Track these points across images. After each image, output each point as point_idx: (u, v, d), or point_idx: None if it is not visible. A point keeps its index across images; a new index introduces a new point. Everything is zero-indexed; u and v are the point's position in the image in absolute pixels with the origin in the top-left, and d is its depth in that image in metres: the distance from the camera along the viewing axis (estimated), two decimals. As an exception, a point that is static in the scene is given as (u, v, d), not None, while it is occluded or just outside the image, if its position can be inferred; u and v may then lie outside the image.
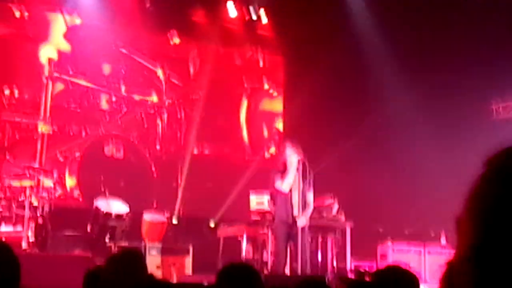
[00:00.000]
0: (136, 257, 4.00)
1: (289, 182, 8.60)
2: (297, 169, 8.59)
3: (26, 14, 11.40)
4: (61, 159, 11.39)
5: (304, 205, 8.71)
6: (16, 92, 11.30)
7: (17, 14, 11.32)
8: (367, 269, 10.44)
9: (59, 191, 10.79)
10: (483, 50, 11.88)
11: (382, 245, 11.03)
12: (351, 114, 12.74)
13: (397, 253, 10.80)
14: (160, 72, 12.59)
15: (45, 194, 9.21)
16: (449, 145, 12.22)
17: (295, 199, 8.65)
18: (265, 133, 13.82)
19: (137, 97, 12.48)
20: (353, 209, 11.09)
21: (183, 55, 13.09)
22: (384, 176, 12.45)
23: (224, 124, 13.05)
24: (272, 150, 13.08)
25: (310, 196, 8.84)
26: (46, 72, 11.51)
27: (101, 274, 3.82)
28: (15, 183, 9.47)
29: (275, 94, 13.98)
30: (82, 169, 11.46)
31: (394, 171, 12.57)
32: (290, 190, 8.67)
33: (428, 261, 10.88)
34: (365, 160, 12.62)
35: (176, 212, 11.58)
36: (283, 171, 8.72)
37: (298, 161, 8.63)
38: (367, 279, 6.27)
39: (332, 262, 10.74)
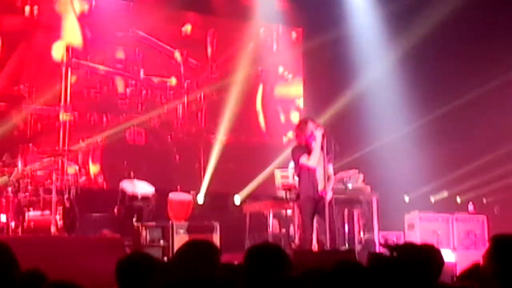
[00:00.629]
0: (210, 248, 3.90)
1: (315, 156, 8.58)
2: (322, 143, 8.56)
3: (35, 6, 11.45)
4: (83, 146, 11.44)
5: (328, 178, 8.69)
6: (35, 82, 11.36)
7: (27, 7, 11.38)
8: (395, 241, 10.39)
9: (83, 178, 10.84)
10: None
11: (409, 215, 10.98)
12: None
13: (424, 222, 10.74)
14: (177, 54, 12.57)
15: (70, 178, 9.24)
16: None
17: (320, 173, 8.62)
18: (282, 118, 13.73)
19: (155, 80, 12.49)
20: (378, 180, 11.06)
21: (200, 35, 13.06)
22: (409, 146, 12.39)
23: (241, 110, 12.96)
24: (290, 134, 13.00)
25: (330, 169, 8.82)
26: (64, 60, 11.53)
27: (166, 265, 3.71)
28: (40, 169, 9.51)
29: (289, 77, 13.87)
30: (105, 155, 11.52)
31: (418, 140, 12.48)
32: (317, 165, 8.64)
33: (456, 228, 10.82)
34: (389, 129, 12.56)
35: (201, 191, 11.58)
36: (306, 146, 8.70)
37: (322, 135, 8.60)
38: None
39: (359, 234, 10.72)
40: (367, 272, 3.61)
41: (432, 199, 12.55)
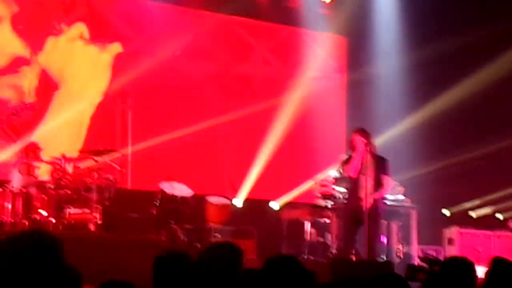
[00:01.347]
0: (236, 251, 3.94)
1: (353, 165, 8.55)
2: (365, 153, 8.53)
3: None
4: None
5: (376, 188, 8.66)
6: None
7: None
8: (435, 256, 10.26)
9: (123, 178, 10.91)
10: None
11: (449, 230, 10.82)
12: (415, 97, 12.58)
13: (464, 237, 10.58)
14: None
15: (111, 177, 9.32)
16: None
17: (363, 183, 8.58)
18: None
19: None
20: (419, 193, 10.94)
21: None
22: (449, 159, 12.22)
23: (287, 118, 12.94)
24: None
25: (383, 179, 8.73)
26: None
27: (194, 262, 3.73)
28: (82, 167, 9.62)
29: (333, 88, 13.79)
30: (146, 157, 11.58)
31: (459, 154, 12.30)
32: (359, 175, 8.59)
33: (497, 245, 10.63)
34: (429, 142, 12.42)
35: (240, 196, 11.57)
36: (350, 156, 8.71)
37: (365, 145, 8.57)
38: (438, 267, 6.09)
39: (398, 246, 10.60)
40: (406, 284, 3.57)
41: (473, 215, 12.35)
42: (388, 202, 10.49)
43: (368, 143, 8.55)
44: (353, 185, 8.66)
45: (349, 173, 8.61)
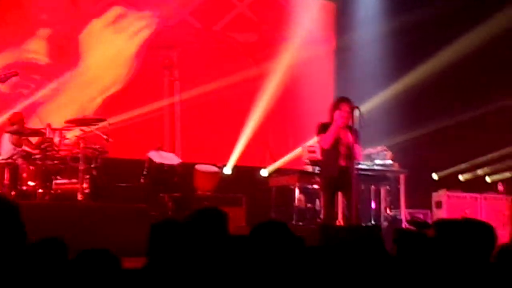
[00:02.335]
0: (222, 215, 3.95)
1: (328, 136, 8.52)
2: (342, 127, 8.52)
3: None
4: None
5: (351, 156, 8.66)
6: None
7: None
8: (422, 218, 10.33)
9: (110, 148, 10.86)
10: None
11: (437, 193, 10.87)
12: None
13: (452, 200, 10.64)
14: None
15: (98, 147, 9.27)
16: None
17: (342, 150, 8.60)
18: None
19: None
20: (407, 157, 10.97)
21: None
22: (438, 122, 12.25)
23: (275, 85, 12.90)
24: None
25: (355, 148, 8.73)
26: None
27: (180, 227, 3.72)
28: (69, 136, 9.57)
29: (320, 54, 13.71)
30: (133, 126, 11.52)
31: (447, 118, 12.33)
32: (336, 143, 8.59)
33: (485, 208, 10.70)
34: (417, 107, 12.43)
35: (228, 163, 11.56)
36: (326, 125, 8.66)
37: (345, 119, 8.57)
38: (426, 230, 6.11)
39: (386, 211, 10.66)
40: (398, 249, 3.58)
41: (461, 178, 12.43)
42: (376, 167, 10.54)
43: (349, 117, 8.48)
44: (331, 152, 8.62)
45: (321, 144, 8.56)
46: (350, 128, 8.55)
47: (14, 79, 8.82)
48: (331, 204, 8.77)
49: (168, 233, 3.59)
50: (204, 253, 3.66)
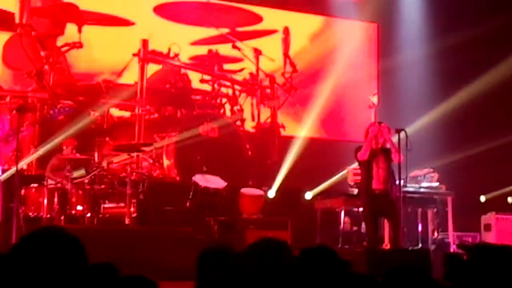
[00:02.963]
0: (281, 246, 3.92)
1: (364, 148, 8.64)
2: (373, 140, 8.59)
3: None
4: (158, 140, 11.57)
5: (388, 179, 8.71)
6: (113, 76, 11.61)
7: None
8: (471, 242, 10.16)
9: (157, 171, 10.99)
10: None
11: (486, 216, 10.68)
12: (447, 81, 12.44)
13: (501, 223, 10.43)
14: (251, 49, 12.57)
15: (145, 171, 9.41)
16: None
17: (380, 170, 8.63)
18: (356, 118, 13.54)
19: (229, 75, 12.55)
20: (454, 179, 10.83)
21: (274, 30, 13.04)
22: (485, 143, 12.07)
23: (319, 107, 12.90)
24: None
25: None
26: (141, 54, 11.69)
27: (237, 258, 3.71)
28: (116, 162, 9.72)
29: (363, 77, 13.68)
30: (179, 149, 11.62)
31: (494, 139, 12.14)
32: (373, 163, 8.64)
33: (535, 230, 10.47)
34: (463, 128, 12.28)
35: (273, 186, 11.56)
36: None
37: (380, 130, 8.64)
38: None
39: (433, 234, 10.52)
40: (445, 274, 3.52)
41: (510, 200, 12.18)
42: (422, 189, 10.43)
43: (380, 133, 8.60)
44: (368, 172, 8.69)
45: (359, 157, 8.70)
46: (387, 151, 8.65)
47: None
48: (374, 227, 8.74)
49: (218, 261, 3.59)
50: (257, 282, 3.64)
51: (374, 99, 8.96)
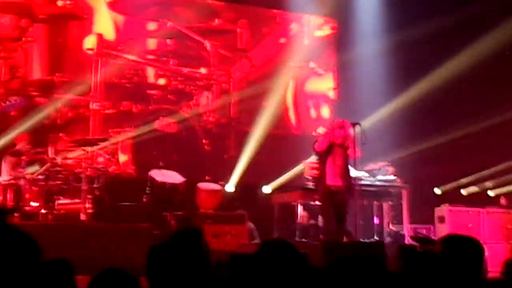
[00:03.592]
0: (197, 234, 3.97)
1: (319, 141, 8.79)
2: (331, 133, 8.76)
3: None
4: (113, 135, 11.48)
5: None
6: (67, 72, 11.46)
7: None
8: (426, 234, 10.31)
9: (113, 167, 10.90)
10: None
11: (439, 208, 10.85)
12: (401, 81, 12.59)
13: (455, 215, 10.61)
14: (208, 44, 12.55)
15: (100, 167, 9.31)
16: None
17: (337, 166, 8.77)
18: (313, 113, 13.63)
19: (186, 70, 12.50)
20: (409, 172, 10.98)
21: (231, 26, 13.02)
22: (440, 137, 12.27)
23: (272, 103, 12.92)
24: (320, 129, 12.86)
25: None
26: (96, 50, 11.57)
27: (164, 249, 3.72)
28: (71, 158, 9.60)
29: (321, 72, 13.75)
30: (135, 145, 11.56)
31: (449, 133, 12.34)
32: (329, 158, 8.77)
33: (488, 222, 10.67)
34: (419, 122, 12.44)
35: (230, 181, 11.57)
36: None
37: (341, 127, 8.77)
38: (430, 246, 6.09)
39: (389, 226, 10.66)
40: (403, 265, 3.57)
41: (464, 192, 12.41)
42: (378, 183, 10.55)
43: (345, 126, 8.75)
44: (326, 167, 8.81)
45: (315, 147, 8.82)
46: (343, 147, 8.78)
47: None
48: (329, 218, 8.86)
49: (166, 256, 3.59)
50: (197, 273, 3.65)
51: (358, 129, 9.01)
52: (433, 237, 9.09)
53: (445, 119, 12.57)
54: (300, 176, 11.07)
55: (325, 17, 13.71)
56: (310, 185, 10.19)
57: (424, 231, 10.37)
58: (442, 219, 10.62)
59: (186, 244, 3.76)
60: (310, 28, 13.69)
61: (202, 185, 10.42)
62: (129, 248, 7.92)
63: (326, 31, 13.80)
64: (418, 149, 12.15)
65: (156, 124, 11.62)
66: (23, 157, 9.24)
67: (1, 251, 2.42)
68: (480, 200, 11.76)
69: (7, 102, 8.38)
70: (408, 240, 10.10)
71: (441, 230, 10.21)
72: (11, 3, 11.30)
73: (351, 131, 8.75)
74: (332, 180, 8.79)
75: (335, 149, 8.83)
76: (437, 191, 12.33)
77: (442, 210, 10.72)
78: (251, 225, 10.09)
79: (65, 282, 3.22)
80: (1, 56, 10.96)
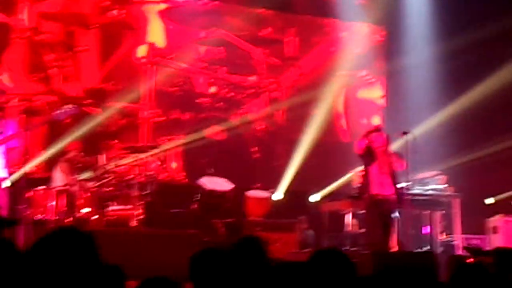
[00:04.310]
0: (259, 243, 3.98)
1: (359, 142, 8.73)
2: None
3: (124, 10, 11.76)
4: (164, 142, 11.61)
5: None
6: (121, 80, 11.65)
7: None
8: (478, 245, 10.13)
9: (164, 174, 11.02)
10: None
11: (493, 218, 10.64)
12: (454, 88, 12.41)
13: (509, 226, 10.39)
14: (257, 52, 12.59)
15: (152, 174, 9.42)
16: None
17: (380, 174, 8.70)
18: (364, 121, 13.53)
19: (236, 78, 12.56)
20: (461, 181, 10.79)
21: (279, 34, 13.05)
22: (493, 146, 12.03)
23: (324, 111, 12.89)
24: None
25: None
26: (148, 59, 11.73)
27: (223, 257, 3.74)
28: (123, 164, 9.73)
29: (371, 80, 13.66)
30: (185, 152, 11.66)
31: (502, 141, 12.10)
32: (378, 167, 8.69)
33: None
34: (470, 130, 12.24)
35: (279, 189, 11.56)
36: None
37: (380, 137, 8.72)
38: (483, 257, 5.98)
39: (440, 236, 10.50)
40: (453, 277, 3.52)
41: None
42: (429, 192, 10.40)
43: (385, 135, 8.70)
44: (371, 176, 8.74)
45: (355, 149, 8.77)
46: (389, 156, 8.69)
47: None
48: (377, 230, 8.75)
49: (210, 262, 3.60)
50: (250, 281, 3.66)
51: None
52: (486, 248, 8.92)
53: (497, 128, 12.33)
54: (349, 184, 11.00)
55: (375, 25, 13.62)
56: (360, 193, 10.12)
57: (477, 242, 10.19)
58: (495, 230, 10.41)
59: (251, 251, 3.77)
60: (360, 37, 13.61)
61: (251, 193, 10.45)
62: (177, 255, 7.96)
63: (376, 39, 13.70)
64: (470, 158, 11.94)
65: (206, 132, 11.70)
66: (76, 164, 9.40)
67: (66, 253, 2.48)
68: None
69: (60, 110, 8.53)
70: (459, 251, 9.94)
71: (495, 241, 10.01)
72: (64, 13, 11.54)
73: (386, 140, 8.71)
74: (378, 189, 8.69)
75: (379, 156, 8.72)
76: (489, 200, 12.08)
77: (496, 220, 10.51)
78: (310, 232, 10.07)
79: (117, 287, 3.27)
80: (55, 65, 11.19)
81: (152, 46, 11.81)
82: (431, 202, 10.42)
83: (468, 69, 12.28)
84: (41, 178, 9.81)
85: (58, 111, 8.41)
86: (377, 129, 8.80)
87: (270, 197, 10.72)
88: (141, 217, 8.95)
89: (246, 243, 3.93)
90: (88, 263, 2.50)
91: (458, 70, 12.37)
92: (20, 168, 8.45)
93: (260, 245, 3.94)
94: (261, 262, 3.73)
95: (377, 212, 8.69)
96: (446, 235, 10.52)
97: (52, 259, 2.45)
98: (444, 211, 10.53)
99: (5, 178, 7.66)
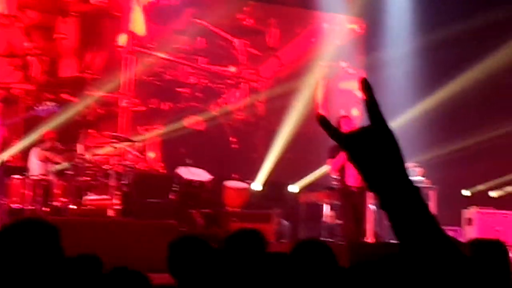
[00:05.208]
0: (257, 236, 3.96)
1: (335, 164, 8.74)
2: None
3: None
4: (142, 132, 11.57)
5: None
6: (98, 69, 11.57)
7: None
8: (453, 236, 10.23)
9: (141, 163, 10.99)
10: None
11: (468, 210, 10.76)
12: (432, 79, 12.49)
13: (483, 218, 10.51)
14: (237, 42, 12.58)
15: (129, 163, 9.39)
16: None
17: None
18: (342, 113, 13.53)
19: (215, 68, 12.54)
20: (437, 173, 10.89)
21: (261, 25, 13.03)
22: (469, 138, 12.15)
23: (302, 102, 12.90)
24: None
25: None
26: (127, 48, 11.66)
27: (218, 252, 3.74)
28: (100, 154, 9.70)
29: (351, 71, 13.69)
30: (164, 142, 11.64)
31: (478, 134, 12.22)
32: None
33: (517, 225, 10.55)
34: (447, 123, 12.34)
35: (257, 179, 11.59)
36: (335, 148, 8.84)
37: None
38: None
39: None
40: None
41: (492, 195, 12.28)
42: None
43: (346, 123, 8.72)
44: (345, 169, 8.80)
45: (330, 171, 8.77)
46: None
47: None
48: (350, 219, 8.84)
49: (187, 251, 3.59)
50: (239, 272, 3.67)
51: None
52: (460, 240, 9.02)
53: (474, 121, 12.44)
54: (327, 175, 11.05)
55: (355, 17, 13.65)
56: (336, 184, 10.18)
57: (452, 233, 10.30)
58: (470, 221, 10.53)
59: (248, 244, 3.76)
60: (341, 28, 13.64)
61: (229, 183, 10.46)
62: (154, 244, 7.96)
63: (356, 31, 13.73)
64: (446, 151, 12.04)
65: (185, 122, 11.68)
66: (53, 153, 9.35)
67: (28, 244, 2.46)
68: (509, 202, 11.63)
69: (43, 107, 8.48)
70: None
71: (469, 233, 10.12)
72: (43, 0, 11.43)
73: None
74: (352, 180, 8.74)
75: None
76: (465, 193, 12.22)
77: (470, 212, 10.63)
78: (285, 223, 10.10)
79: (93, 277, 3.26)
80: (33, 53, 11.09)
81: (132, 34, 11.74)
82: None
83: (447, 64, 12.36)
84: (16, 167, 9.74)
85: (40, 108, 8.35)
86: (344, 117, 8.85)
87: (249, 188, 10.74)
88: (119, 207, 8.93)
89: (245, 236, 3.90)
90: (48, 255, 2.48)
91: (437, 64, 12.46)
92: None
93: (261, 238, 3.91)
94: (260, 255, 3.72)
95: (351, 203, 8.76)
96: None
97: (9, 249, 2.43)
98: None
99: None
